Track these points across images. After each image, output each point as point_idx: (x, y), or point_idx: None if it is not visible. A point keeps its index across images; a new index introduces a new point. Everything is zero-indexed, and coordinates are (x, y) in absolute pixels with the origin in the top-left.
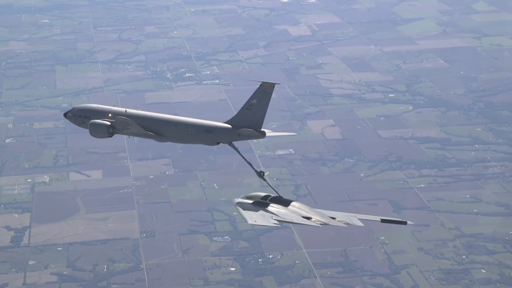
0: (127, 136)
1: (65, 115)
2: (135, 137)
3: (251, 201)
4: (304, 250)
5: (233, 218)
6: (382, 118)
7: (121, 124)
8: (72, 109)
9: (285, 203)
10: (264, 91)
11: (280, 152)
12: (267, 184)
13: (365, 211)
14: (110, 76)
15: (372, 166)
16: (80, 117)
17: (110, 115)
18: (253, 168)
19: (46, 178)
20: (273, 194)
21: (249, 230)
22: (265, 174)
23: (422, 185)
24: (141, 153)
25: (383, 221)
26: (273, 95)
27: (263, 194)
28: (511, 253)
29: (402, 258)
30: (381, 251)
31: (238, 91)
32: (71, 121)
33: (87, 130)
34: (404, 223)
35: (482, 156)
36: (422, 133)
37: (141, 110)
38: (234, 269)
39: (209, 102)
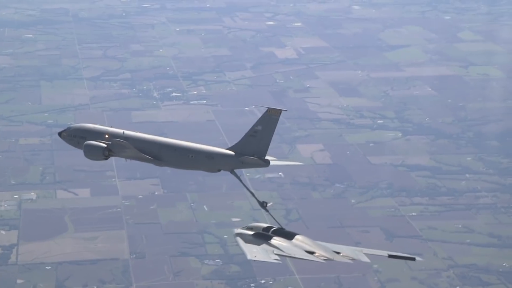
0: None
1: (60, 134)
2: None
3: (251, 232)
4: (297, 276)
5: (224, 241)
6: (371, 144)
7: (118, 147)
8: (68, 128)
9: (289, 236)
10: (270, 118)
11: (270, 175)
12: (266, 213)
13: (357, 238)
14: (96, 93)
15: (363, 193)
16: (75, 137)
17: (107, 136)
18: (256, 198)
19: (33, 195)
20: (274, 225)
21: (241, 254)
22: (268, 205)
23: (413, 213)
24: (129, 172)
25: (390, 256)
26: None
27: (264, 225)
28: (505, 285)
29: (395, 287)
30: (375, 279)
31: (226, 112)
32: (65, 141)
33: (78, 149)
34: (413, 259)
35: (473, 186)
36: (412, 160)
37: (140, 132)
38: None
39: (197, 123)
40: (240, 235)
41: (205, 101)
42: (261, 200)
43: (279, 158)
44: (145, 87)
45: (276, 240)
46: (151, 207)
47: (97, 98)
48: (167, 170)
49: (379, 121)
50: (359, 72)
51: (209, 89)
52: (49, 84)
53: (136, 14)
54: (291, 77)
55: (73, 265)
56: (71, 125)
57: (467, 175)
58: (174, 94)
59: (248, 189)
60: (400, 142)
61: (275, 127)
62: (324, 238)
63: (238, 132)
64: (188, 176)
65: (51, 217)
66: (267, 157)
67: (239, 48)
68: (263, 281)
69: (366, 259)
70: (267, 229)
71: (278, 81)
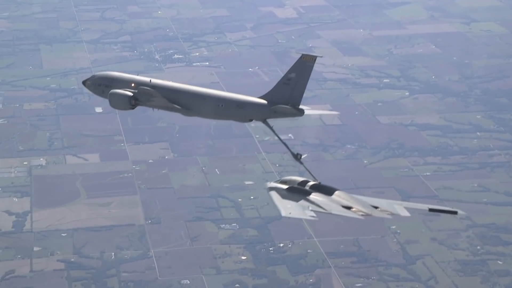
0: (151, 108)
1: (84, 83)
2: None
3: (286, 187)
4: (315, 239)
5: (239, 204)
6: (379, 104)
7: (145, 96)
8: (92, 76)
9: (328, 191)
10: (305, 64)
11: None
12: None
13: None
14: (97, 56)
15: (375, 153)
16: (100, 85)
17: (133, 84)
18: (289, 149)
19: (42, 161)
20: (310, 179)
21: (257, 217)
22: (302, 157)
23: (428, 173)
24: (137, 136)
25: (431, 210)
26: (266, 78)
27: (300, 179)
28: None
29: (416, 248)
30: (394, 241)
31: (230, 73)
32: (90, 90)
33: (99, 102)
34: (455, 212)
35: (485, 144)
36: (422, 119)
37: (167, 80)
38: (245, 257)
39: (201, 85)
40: (274, 189)
41: (207, 63)
42: (295, 152)
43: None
44: (146, 50)
45: (314, 196)
46: (163, 171)
47: (98, 62)
48: (175, 133)
49: (385, 80)
50: (361, 30)
51: (210, 50)
52: (48, 48)
53: None
54: (293, 37)
55: (89, 232)
56: (96, 73)
57: (478, 133)
58: (176, 56)
59: (280, 139)
60: (408, 101)
61: (309, 75)
62: None
63: (244, 94)
64: (197, 139)
65: (62, 183)
66: (300, 106)
67: (237, 8)
68: (281, 245)
69: (406, 213)
70: (302, 183)
71: (280, 41)
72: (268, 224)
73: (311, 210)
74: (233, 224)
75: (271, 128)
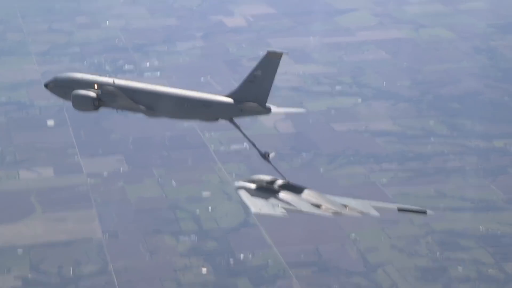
0: (115, 110)
1: (46, 85)
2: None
3: (254, 186)
4: (275, 249)
5: (197, 216)
6: (333, 111)
7: (109, 96)
8: (54, 78)
9: (297, 190)
10: (270, 61)
11: (235, 146)
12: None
13: None
14: (46, 68)
15: (331, 161)
16: (62, 87)
17: (96, 86)
18: (257, 148)
19: None
20: (278, 178)
21: (216, 228)
22: (270, 155)
23: (384, 180)
24: (91, 149)
25: (400, 210)
26: (219, 87)
27: (268, 178)
28: (485, 249)
29: (376, 256)
30: (354, 249)
31: (182, 83)
32: (52, 92)
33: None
34: (424, 212)
35: (439, 149)
36: (376, 126)
37: (131, 81)
38: (205, 269)
39: None
40: (243, 188)
41: (158, 73)
42: (262, 150)
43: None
44: (96, 61)
45: (283, 194)
46: (118, 184)
47: (48, 74)
48: (129, 145)
49: (337, 87)
50: (311, 38)
51: (161, 60)
52: None
53: None
54: (243, 46)
55: (46, 247)
56: (58, 75)
57: (432, 138)
58: (126, 66)
59: (247, 138)
60: (361, 108)
61: (275, 72)
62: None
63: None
64: (152, 150)
65: (16, 199)
66: (267, 105)
67: (186, 17)
68: (242, 256)
69: (375, 213)
70: (271, 182)
71: (230, 50)
72: (228, 234)
73: (281, 207)
74: (192, 236)
75: (237, 127)
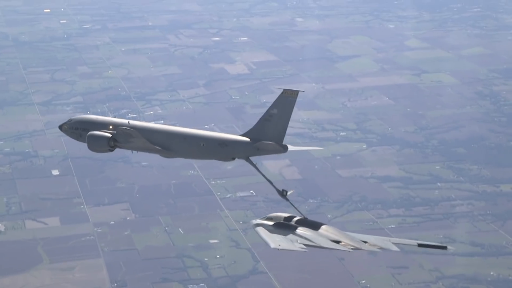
0: (130, 151)
1: (61, 127)
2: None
3: (271, 223)
4: None
5: (205, 264)
6: (338, 157)
7: (124, 136)
8: (69, 120)
9: (314, 226)
10: (286, 100)
11: (241, 194)
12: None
13: (340, 255)
14: (49, 118)
15: (338, 207)
16: (77, 129)
17: (111, 127)
18: (274, 187)
19: (1, 227)
20: (296, 215)
21: (224, 276)
22: (288, 194)
23: (392, 226)
24: (96, 198)
25: (420, 245)
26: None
27: (285, 215)
28: None
29: None
30: None
31: None
32: (66, 134)
33: (41, 178)
34: (444, 247)
35: (446, 194)
36: (382, 172)
37: (146, 122)
38: None
39: None
40: (260, 225)
41: (162, 121)
42: (280, 188)
43: (252, 174)
44: (99, 110)
45: (301, 230)
46: (125, 233)
47: (51, 123)
48: (135, 194)
49: (341, 133)
50: (314, 84)
51: (164, 108)
52: None
53: (78, 35)
54: (246, 93)
55: None
56: (73, 117)
57: (438, 184)
58: (130, 115)
59: (265, 177)
60: (366, 154)
61: (292, 110)
62: (304, 255)
63: None
64: (158, 198)
65: (23, 249)
66: (284, 143)
67: (188, 65)
68: None
69: (395, 248)
70: (288, 219)
71: (233, 97)
72: (237, 282)
73: (300, 243)
74: (201, 285)
75: (254, 166)
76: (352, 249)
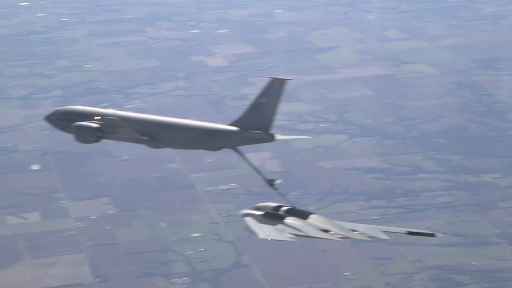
0: (117, 141)
1: (47, 118)
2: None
3: (260, 213)
4: None
5: (189, 258)
6: (319, 149)
7: (111, 127)
8: (55, 111)
9: (303, 215)
10: (274, 89)
11: (223, 187)
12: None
13: (323, 246)
14: (29, 112)
15: (321, 199)
16: (63, 120)
17: (97, 118)
18: (262, 176)
19: None
20: (285, 204)
21: (208, 270)
22: (275, 183)
23: (375, 217)
24: (77, 192)
25: (409, 233)
26: None
27: (274, 204)
28: (480, 284)
29: None
30: (348, 287)
31: None
32: (53, 125)
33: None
34: (432, 235)
35: (428, 185)
36: (363, 163)
37: (133, 112)
38: None
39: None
40: (248, 215)
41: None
42: (268, 177)
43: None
44: (79, 104)
45: (290, 220)
46: (107, 227)
47: (31, 118)
48: (116, 188)
49: (322, 125)
50: (294, 76)
51: (145, 101)
52: None
53: (56, 28)
54: (227, 85)
55: None
56: (59, 108)
57: (419, 174)
58: (110, 109)
59: (252, 166)
60: (347, 145)
61: (280, 99)
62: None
63: None
64: (140, 192)
65: (4, 245)
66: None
67: (168, 58)
68: None
69: (384, 237)
70: (277, 208)
71: (213, 90)
72: (220, 276)
73: (289, 233)
74: (184, 278)
75: (242, 155)
76: (341, 238)
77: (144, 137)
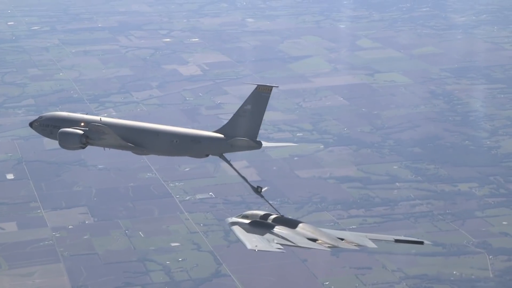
0: (102, 148)
1: (31, 125)
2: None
3: (248, 221)
4: None
5: (168, 267)
6: (295, 158)
7: (96, 133)
8: (40, 117)
9: (291, 224)
10: (260, 95)
11: (200, 196)
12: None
13: (303, 256)
14: (1, 121)
15: (298, 208)
16: (48, 126)
17: (82, 124)
18: (248, 183)
19: None
20: (272, 213)
21: (187, 280)
22: (262, 190)
23: (353, 226)
24: (53, 202)
25: (397, 241)
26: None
27: (261, 212)
28: None
29: None
30: None
31: None
32: (37, 131)
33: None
34: (421, 243)
35: (405, 194)
36: (340, 172)
37: (118, 119)
38: None
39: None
40: (235, 224)
41: None
42: (255, 185)
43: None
44: (57, 110)
45: (278, 229)
46: (84, 237)
47: (3, 127)
48: (93, 197)
49: (298, 134)
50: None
51: (118, 111)
52: None
53: (27, 37)
54: (201, 94)
55: None
56: (44, 114)
57: (397, 183)
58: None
59: (239, 173)
60: (324, 154)
61: (265, 106)
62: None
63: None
64: (116, 202)
65: None
66: (258, 139)
67: (140, 67)
68: None
69: (372, 245)
70: (264, 216)
71: (187, 99)
72: (200, 286)
73: (277, 243)
74: None
75: (228, 162)
76: (329, 247)
77: (129, 144)
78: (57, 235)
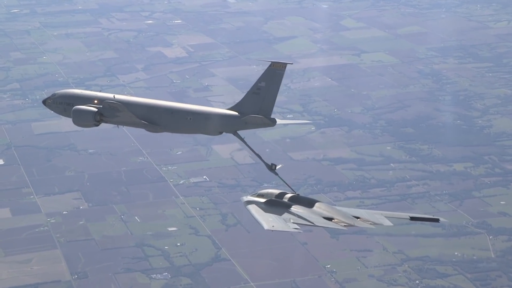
0: (116, 126)
1: (44, 102)
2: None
3: (263, 200)
4: (252, 284)
5: (167, 252)
6: (288, 140)
7: (111, 111)
8: (53, 95)
9: (307, 203)
10: (275, 72)
11: (194, 179)
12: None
13: (301, 238)
14: None
15: (295, 191)
16: (61, 104)
17: (96, 101)
18: (263, 161)
19: None
20: (288, 191)
21: (188, 264)
22: (277, 168)
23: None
24: (46, 187)
25: (412, 219)
26: None
27: (277, 191)
28: (463, 275)
29: (355, 287)
30: (332, 280)
31: None
32: (50, 109)
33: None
34: (437, 220)
35: (401, 175)
36: (333, 153)
37: (132, 96)
38: None
39: (104, 130)
40: (252, 203)
41: None
42: (269, 162)
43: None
44: (38, 96)
45: (295, 208)
46: (80, 222)
47: None
48: (86, 182)
49: (288, 116)
50: (254, 66)
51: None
52: None
53: (7, 20)
54: (187, 76)
55: None
56: (57, 91)
57: (391, 164)
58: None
59: (253, 151)
60: (316, 136)
61: (280, 83)
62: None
63: (150, 137)
64: (110, 186)
65: None
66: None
67: (124, 49)
68: None
69: (388, 223)
70: (280, 195)
71: (174, 81)
72: (201, 270)
73: (294, 223)
74: (165, 274)
75: (242, 140)
76: (345, 226)
77: (143, 121)
78: (52, 221)
